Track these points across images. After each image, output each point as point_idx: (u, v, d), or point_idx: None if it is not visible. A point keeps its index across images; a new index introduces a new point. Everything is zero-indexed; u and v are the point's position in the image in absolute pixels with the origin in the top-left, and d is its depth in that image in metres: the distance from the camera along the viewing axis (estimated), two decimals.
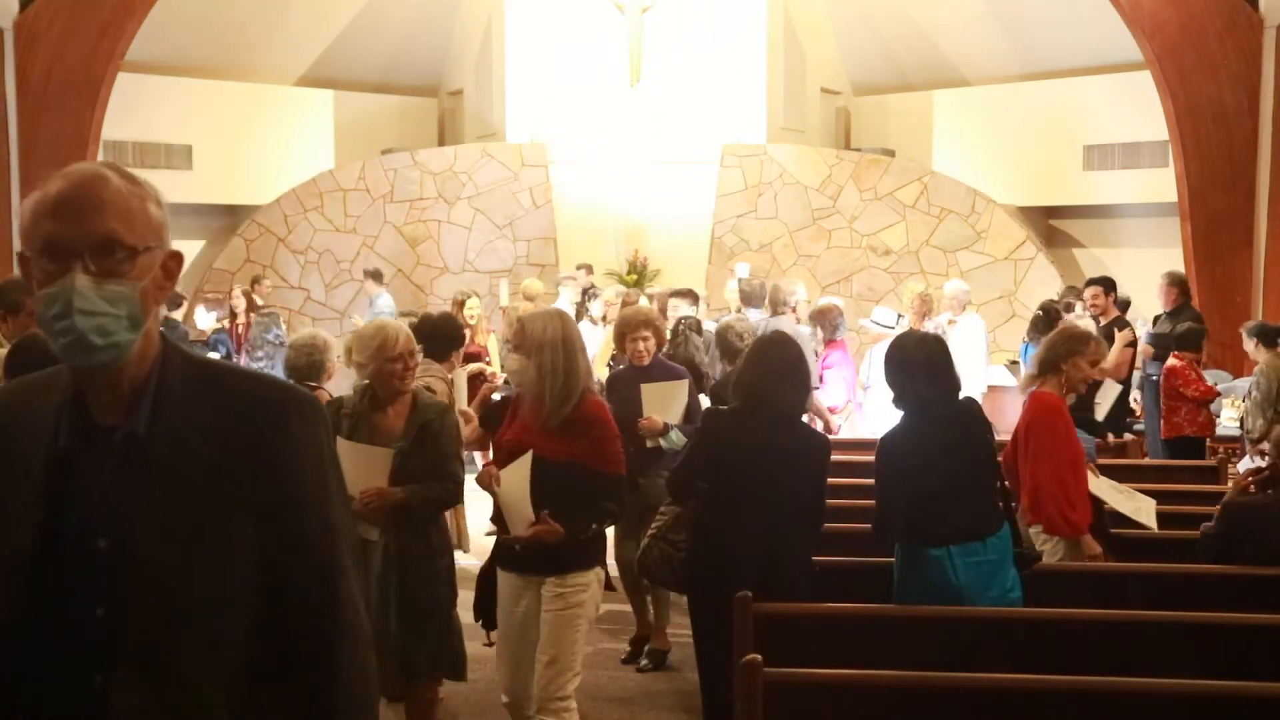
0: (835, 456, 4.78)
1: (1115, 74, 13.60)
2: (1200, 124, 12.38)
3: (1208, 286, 12.17)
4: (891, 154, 14.57)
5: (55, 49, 12.46)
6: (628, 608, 6.18)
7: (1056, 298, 11.00)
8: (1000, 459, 5.01)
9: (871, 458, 4.58)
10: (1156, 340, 9.18)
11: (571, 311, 10.53)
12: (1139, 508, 5.45)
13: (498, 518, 4.24)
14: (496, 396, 6.32)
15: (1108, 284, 9.31)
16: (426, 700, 4.37)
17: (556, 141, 14.34)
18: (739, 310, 8.71)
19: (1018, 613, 4.27)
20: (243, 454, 1.68)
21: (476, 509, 6.05)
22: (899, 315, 9.00)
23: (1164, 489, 6.06)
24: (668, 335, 7.17)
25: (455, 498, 4.40)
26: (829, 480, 4.61)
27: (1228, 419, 9.41)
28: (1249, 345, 8.51)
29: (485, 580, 4.41)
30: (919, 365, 4.38)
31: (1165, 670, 3.72)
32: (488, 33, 15.21)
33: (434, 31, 15.72)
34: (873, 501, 4.51)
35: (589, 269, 12.38)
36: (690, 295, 9.05)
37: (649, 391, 5.77)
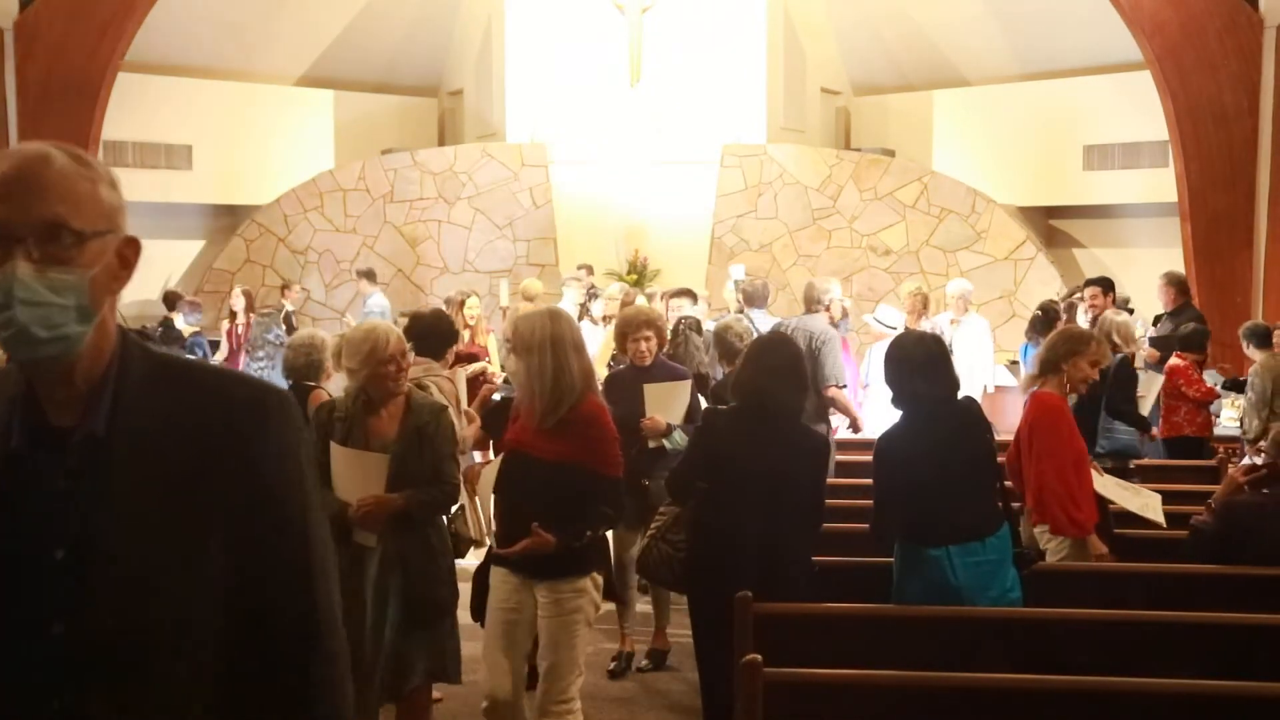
0: (835, 456, 4.77)
1: (1115, 74, 13.61)
2: (1200, 124, 12.38)
3: (1208, 286, 12.17)
4: (891, 154, 14.57)
5: (55, 49, 12.46)
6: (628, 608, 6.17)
7: (1057, 297, 11.00)
8: (1003, 460, 5.02)
9: (871, 457, 4.58)
10: (1158, 341, 9.18)
11: (575, 312, 10.54)
12: (1145, 503, 5.44)
13: (499, 515, 4.23)
14: (497, 396, 6.32)
15: (1106, 284, 9.31)
16: (420, 703, 4.36)
17: (556, 141, 14.34)
18: (739, 310, 8.71)
19: (1018, 613, 4.27)
20: (214, 455, 1.55)
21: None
22: (904, 316, 9.01)
23: (1164, 489, 6.05)
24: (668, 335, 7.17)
25: (452, 500, 4.38)
26: (829, 480, 4.61)
27: (1227, 419, 9.41)
28: (1246, 347, 8.57)
29: (481, 578, 4.39)
30: (917, 364, 4.38)
31: (1165, 670, 3.72)
32: (488, 33, 15.21)
33: (434, 31, 15.73)
34: (872, 501, 4.51)
35: (589, 269, 12.38)
36: (691, 295, 9.05)
37: (652, 392, 5.77)
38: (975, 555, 4.24)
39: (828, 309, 7.45)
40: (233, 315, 11.43)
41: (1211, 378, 8.93)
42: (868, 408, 8.39)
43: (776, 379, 4.44)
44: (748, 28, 14.58)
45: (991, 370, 10.34)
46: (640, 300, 9.53)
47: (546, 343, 3.99)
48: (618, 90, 14.43)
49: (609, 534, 4.43)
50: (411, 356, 4.57)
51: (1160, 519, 5.39)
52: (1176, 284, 9.53)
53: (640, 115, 14.32)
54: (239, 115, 14.59)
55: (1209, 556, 4.74)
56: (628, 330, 5.95)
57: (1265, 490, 4.74)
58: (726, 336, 6.63)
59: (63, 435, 1.53)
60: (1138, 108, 13.16)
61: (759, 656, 3.59)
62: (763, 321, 8.00)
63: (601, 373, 7.35)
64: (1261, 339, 8.51)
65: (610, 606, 5.21)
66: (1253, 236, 12.44)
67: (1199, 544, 4.78)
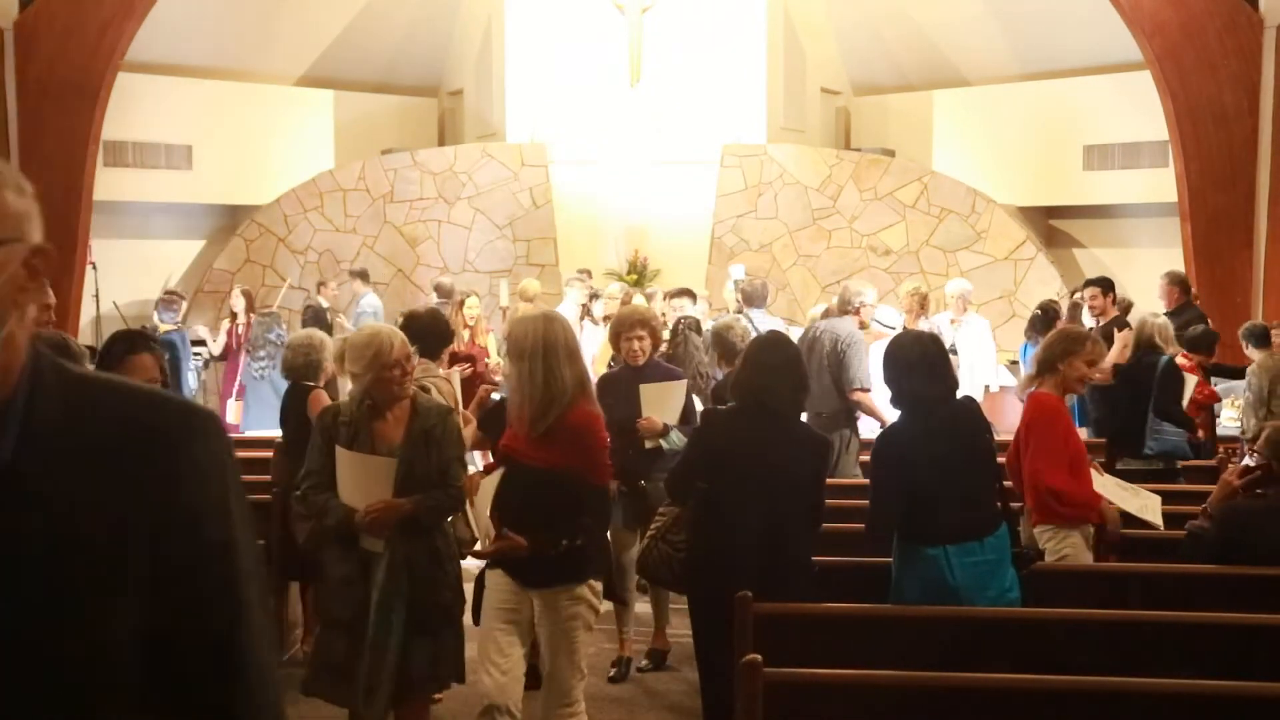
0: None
1: (1115, 74, 13.60)
2: (1200, 124, 12.38)
3: (1208, 286, 12.16)
4: (891, 154, 14.57)
5: (55, 49, 12.45)
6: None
7: (1057, 296, 11.00)
8: (1003, 460, 5.01)
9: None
10: None
11: (577, 312, 10.55)
12: (1144, 505, 5.44)
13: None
14: (496, 396, 6.31)
15: (1106, 284, 9.31)
16: (421, 705, 4.35)
17: (556, 141, 14.33)
18: (739, 310, 8.71)
19: (1017, 613, 4.27)
20: (132, 484, 1.37)
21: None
22: (903, 317, 9.01)
23: (1164, 489, 6.05)
24: (665, 335, 7.17)
25: (460, 503, 4.36)
26: (829, 479, 4.61)
27: (1227, 419, 9.42)
28: (1245, 347, 8.59)
29: (484, 581, 4.39)
30: (915, 364, 4.38)
31: (1164, 670, 3.72)
32: (488, 33, 15.21)
33: (434, 31, 15.72)
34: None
35: (588, 273, 12.37)
36: (691, 295, 9.05)
37: (647, 392, 5.76)
38: (973, 555, 4.24)
39: (857, 312, 7.45)
40: (233, 315, 11.42)
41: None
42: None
43: (776, 378, 4.44)
44: (748, 28, 14.58)
45: (994, 370, 10.34)
46: (638, 300, 9.53)
47: (539, 348, 3.93)
48: (618, 90, 14.42)
49: (609, 536, 4.42)
50: (415, 359, 4.55)
51: (1159, 521, 5.39)
52: (1179, 283, 9.54)
53: (640, 115, 14.32)
54: (239, 115, 14.57)
55: (1208, 562, 4.73)
56: (621, 329, 5.95)
57: (1260, 492, 4.73)
58: (728, 336, 6.62)
59: None
60: (1138, 108, 13.16)
61: (759, 656, 3.59)
62: (762, 321, 8.00)
63: (602, 373, 7.35)
64: (1260, 339, 8.52)
65: (609, 607, 5.22)
66: (1253, 236, 12.44)
67: (1197, 550, 4.76)
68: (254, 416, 10.34)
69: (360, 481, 4.13)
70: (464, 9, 15.65)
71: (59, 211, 12.56)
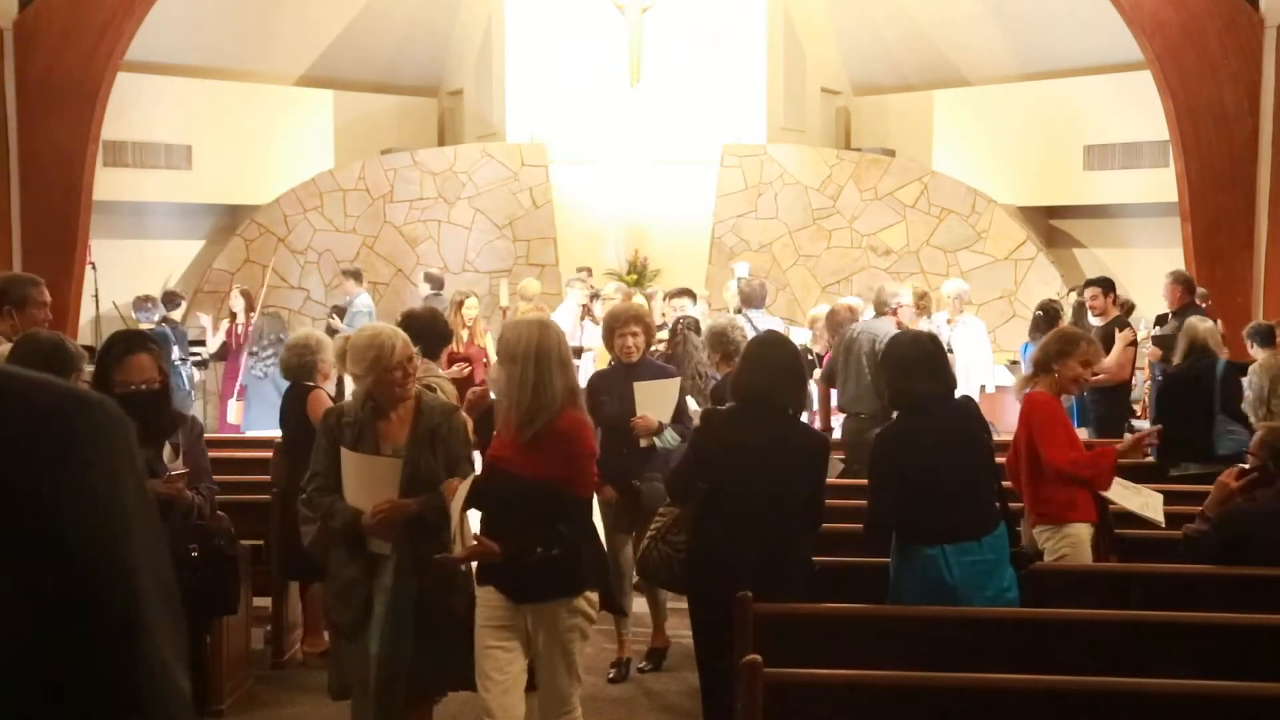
0: (836, 456, 4.77)
1: (1115, 74, 13.60)
2: (1200, 124, 12.38)
3: (1208, 286, 12.12)
4: (891, 154, 14.57)
5: (55, 49, 12.46)
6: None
7: (1059, 296, 10.99)
8: (1002, 461, 5.01)
9: None
10: (1161, 340, 9.16)
11: (578, 312, 10.55)
12: (1146, 503, 5.43)
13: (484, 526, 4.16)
14: (494, 395, 6.29)
15: (1106, 285, 9.29)
16: (424, 710, 4.34)
17: (556, 141, 14.34)
18: (739, 310, 8.71)
19: (1017, 613, 4.27)
20: (17, 482, 1.17)
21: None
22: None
23: (1164, 489, 6.05)
24: (663, 335, 7.16)
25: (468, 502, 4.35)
26: (829, 480, 4.61)
27: None
28: (1250, 347, 8.54)
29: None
30: (914, 364, 4.38)
31: (1164, 670, 3.72)
32: (488, 33, 15.21)
33: (434, 31, 15.72)
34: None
35: (589, 272, 12.37)
36: (691, 295, 9.05)
37: (642, 390, 5.75)
38: (971, 554, 4.24)
39: (894, 313, 7.45)
40: (232, 315, 11.41)
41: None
42: None
43: (776, 378, 4.44)
44: (748, 28, 14.58)
45: (990, 370, 10.34)
46: (637, 299, 9.53)
47: (531, 353, 3.88)
48: (618, 90, 14.42)
49: (604, 544, 4.39)
50: (418, 360, 4.53)
51: (1160, 519, 5.39)
52: (1184, 283, 9.52)
53: (640, 115, 14.32)
54: (239, 115, 14.57)
55: (1206, 564, 4.73)
56: (615, 325, 5.93)
57: (1257, 494, 4.73)
58: (730, 335, 6.60)
59: None
60: (1138, 108, 13.16)
61: (759, 657, 3.59)
62: (761, 322, 8.00)
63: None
64: (1265, 338, 8.48)
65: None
66: (1253, 236, 12.44)
67: (1196, 554, 4.75)
68: (256, 416, 10.34)
69: (366, 482, 4.11)
70: (464, 9, 15.66)
71: (59, 211, 12.58)
